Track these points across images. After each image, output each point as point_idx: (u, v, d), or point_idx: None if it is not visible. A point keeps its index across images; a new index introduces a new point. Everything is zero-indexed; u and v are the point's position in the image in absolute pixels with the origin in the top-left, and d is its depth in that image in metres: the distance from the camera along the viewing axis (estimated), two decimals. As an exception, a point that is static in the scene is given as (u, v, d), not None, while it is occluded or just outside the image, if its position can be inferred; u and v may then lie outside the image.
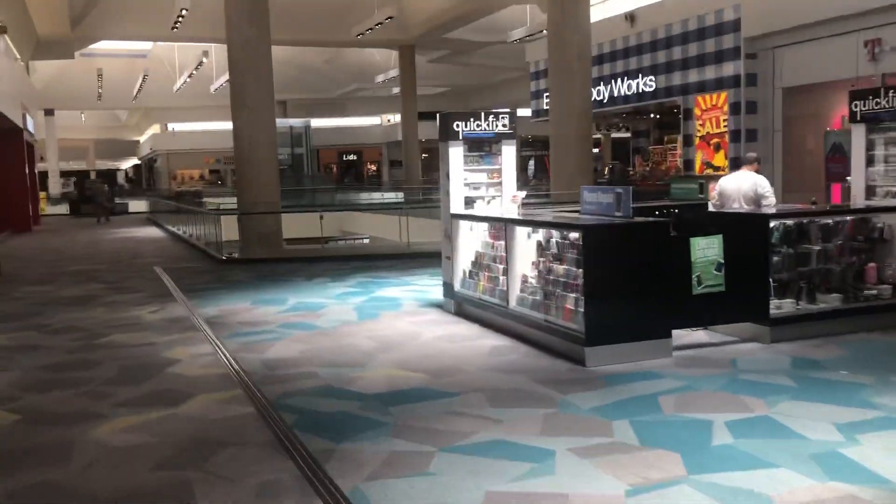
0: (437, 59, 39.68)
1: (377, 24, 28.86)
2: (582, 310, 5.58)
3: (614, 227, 5.68)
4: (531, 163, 61.71)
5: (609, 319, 5.52)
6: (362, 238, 29.50)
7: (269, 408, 4.75)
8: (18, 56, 25.48)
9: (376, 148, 59.19)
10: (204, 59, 38.40)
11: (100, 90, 46.56)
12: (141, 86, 45.40)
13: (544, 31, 29.58)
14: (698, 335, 6.23)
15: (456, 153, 7.57)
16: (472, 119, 7.59)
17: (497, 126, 7.66)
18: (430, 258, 12.36)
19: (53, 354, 6.44)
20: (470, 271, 7.56)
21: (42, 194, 40.54)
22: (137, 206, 37.08)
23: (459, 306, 7.63)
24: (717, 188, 7.75)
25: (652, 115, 23.44)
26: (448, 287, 7.78)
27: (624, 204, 5.82)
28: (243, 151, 13.72)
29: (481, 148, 7.75)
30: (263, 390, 5.13)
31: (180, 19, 26.94)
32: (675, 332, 5.77)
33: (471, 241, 7.62)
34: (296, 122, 50.83)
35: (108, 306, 8.82)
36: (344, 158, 62.05)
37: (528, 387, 5.04)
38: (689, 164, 17.84)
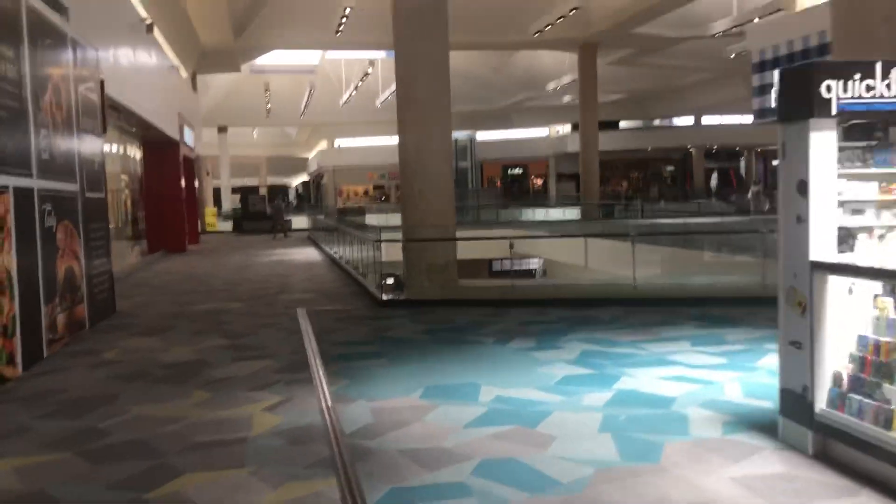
0: (617, 60, 35.66)
1: (559, 19, 25.41)
2: None
3: None
4: (714, 176, 56.04)
5: None
6: (531, 259, 26.13)
7: None
8: (181, 65, 24.19)
9: (543, 161, 55.66)
10: (370, 70, 36.62)
11: (268, 106, 46.32)
12: (308, 101, 44.63)
13: (756, 20, 24.91)
14: None
15: (822, 142, 3.87)
16: (855, 75, 3.85)
17: (907, 89, 3.87)
18: (669, 307, 8.66)
19: (60, 534, 3.36)
20: (853, 378, 3.82)
21: (213, 210, 40.34)
22: (301, 222, 35.69)
23: (825, 446, 3.90)
24: None
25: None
26: (795, 400, 4.06)
27: None
28: (410, 164, 10.62)
29: (869, 134, 4.00)
30: None
31: (344, 20, 24.81)
32: None
33: (850, 314, 3.88)
34: (460, 134, 48.09)
35: (213, 389, 5.80)
36: (508, 172, 59.06)
37: None
38: None
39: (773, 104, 4.12)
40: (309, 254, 20.00)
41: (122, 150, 17.69)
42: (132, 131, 17.93)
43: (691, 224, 18.27)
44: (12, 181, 6.48)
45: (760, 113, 21.70)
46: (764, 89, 21.19)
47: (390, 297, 10.02)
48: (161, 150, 21.07)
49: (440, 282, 10.38)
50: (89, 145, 9.19)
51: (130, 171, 18.60)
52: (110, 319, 9.45)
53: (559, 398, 5.24)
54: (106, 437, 4.69)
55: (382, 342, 7.48)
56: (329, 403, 5.23)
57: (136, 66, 15.67)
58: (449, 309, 9.39)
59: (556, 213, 33.56)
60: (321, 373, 6.16)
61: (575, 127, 50.84)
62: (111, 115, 14.16)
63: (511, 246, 10.06)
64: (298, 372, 6.26)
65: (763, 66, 21.34)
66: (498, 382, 5.70)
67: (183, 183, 22.56)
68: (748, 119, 51.01)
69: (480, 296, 10.17)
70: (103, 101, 10.14)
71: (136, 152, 19.70)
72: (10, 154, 6.49)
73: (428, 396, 5.39)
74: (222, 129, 49.41)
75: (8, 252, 6.34)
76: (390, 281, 10.74)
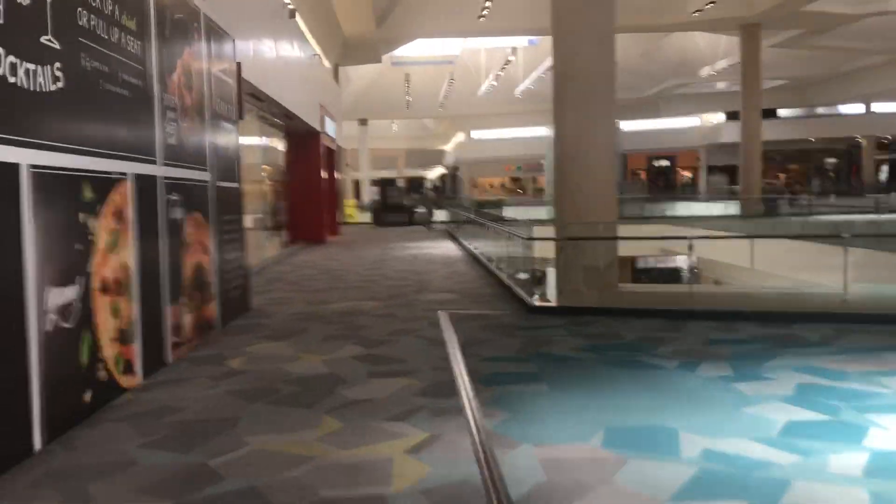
0: (781, 42, 32.70)
1: (722, -6, 23.31)
2: None
3: None
4: (884, 168, 50.96)
5: None
6: (680, 256, 24.26)
7: None
8: (323, 55, 23.96)
9: (692, 152, 52.56)
10: (511, 57, 35.53)
11: (408, 98, 46.25)
12: (447, 92, 44.15)
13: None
14: None
15: None
16: None
17: None
18: (891, 327, 7.01)
19: None
20: None
21: (353, 201, 40.61)
22: (438, 215, 35.14)
23: None
24: None
25: None
26: None
27: None
28: (566, 152, 9.39)
29: None
30: None
31: (488, 4, 23.83)
32: None
33: None
34: (607, 124, 46.16)
35: (345, 416, 4.85)
36: (654, 164, 56.23)
37: None
38: None
39: None
40: (447, 248, 19.15)
41: (262, 140, 17.47)
42: (273, 121, 17.68)
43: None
44: (132, 167, 5.81)
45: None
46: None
47: (542, 302, 8.85)
48: (302, 140, 20.86)
49: (598, 286, 9.10)
50: (223, 131, 8.56)
51: (271, 161, 18.40)
52: (243, 318, 8.82)
53: (793, 458, 3.90)
54: (216, 481, 3.81)
55: (540, 360, 6.32)
56: (487, 448, 4.14)
57: (278, 53, 15.27)
58: (610, 319, 8.11)
59: (716, 209, 31.13)
60: (472, 400, 5.08)
61: (730, 115, 47.66)
62: (251, 103, 13.78)
63: (690, 247, 8.62)
64: (445, 396, 5.22)
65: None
66: (699, 428, 4.41)
67: (324, 174, 22.32)
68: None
69: (646, 304, 8.81)
70: (240, 85, 9.54)
71: (277, 142, 19.52)
72: (130, 137, 5.82)
73: (611, 444, 4.19)
74: (363, 122, 49.88)
75: (127, 247, 5.67)
76: (523, 276, 9.62)
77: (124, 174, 5.67)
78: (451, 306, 9.28)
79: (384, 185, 34.46)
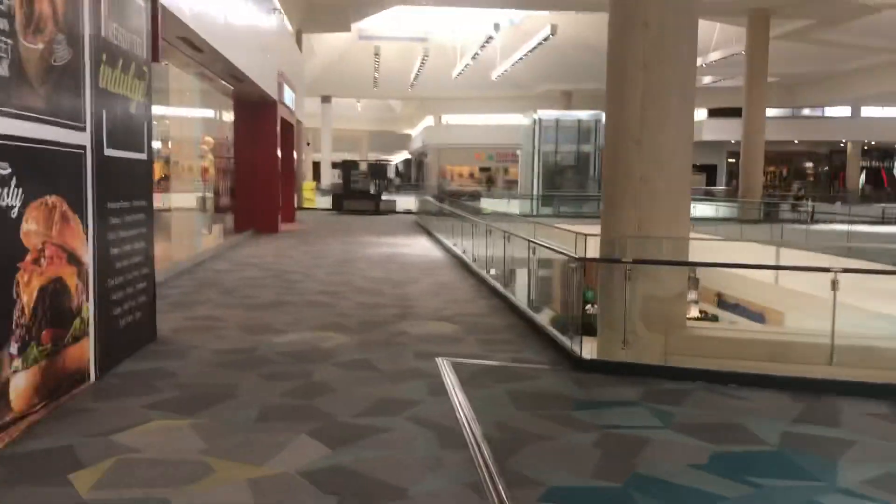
0: (786, 33, 30.31)
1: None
2: None
3: None
4: (863, 176, 49.43)
5: None
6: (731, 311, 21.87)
7: None
8: (285, 15, 20.71)
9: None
10: (493, 35, 32.49)
11: (376, 75, 42.98)
12: (418, 72, 41.05)
13: None
14: None
15: None
16: None
17: None
18: None
19: None
20: None
21: (312, 184, 37.32)
22: (405, 203, 32.15)
23: None
24: None
25: None
26: None
27: None
28: (625, 132, 6.52)
29: None
30: None
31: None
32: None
33: None
34: (584, 114, 43.42)
35: None
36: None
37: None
38: None
39: None
40: (424, 247, 16.22)
41: (203, 105, 14.32)
42: (218, 82, 14.51)
43: None
44: None
45: None
46: None
47: (589, 353, 6.00)
48: (256, 110, 17.70)
49: (663, 328, 6.29)
50: (123, 74, 5.51)
51: (215, 131, 15.25)
52: (139, 359, 5.80)
53: None
54: None
55: (642, 494, 3.46)
56: None
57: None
58: (708, 391, 5.30)
59: (707, 211, 28.78)
60: None
61: (711, 113, 45.46)
62: (185, 51, 10.65)
63: (834, 284, 5.78)
64: None
65: None
66: None
67: (280, 151, 19.16)
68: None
69: (749, 362, 5.99)
70: (156, 10, 6.47)
71: (224, 112, 16.37)
72: None
73: None
74: (326, 100, 46.52)
75: None
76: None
77: None
78: (454, 348, 6.38)
79: (347, 168, 31.24)
